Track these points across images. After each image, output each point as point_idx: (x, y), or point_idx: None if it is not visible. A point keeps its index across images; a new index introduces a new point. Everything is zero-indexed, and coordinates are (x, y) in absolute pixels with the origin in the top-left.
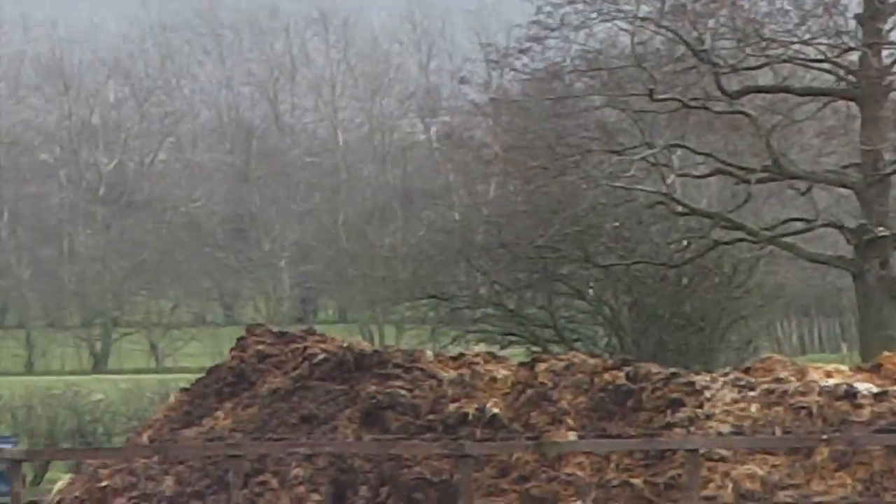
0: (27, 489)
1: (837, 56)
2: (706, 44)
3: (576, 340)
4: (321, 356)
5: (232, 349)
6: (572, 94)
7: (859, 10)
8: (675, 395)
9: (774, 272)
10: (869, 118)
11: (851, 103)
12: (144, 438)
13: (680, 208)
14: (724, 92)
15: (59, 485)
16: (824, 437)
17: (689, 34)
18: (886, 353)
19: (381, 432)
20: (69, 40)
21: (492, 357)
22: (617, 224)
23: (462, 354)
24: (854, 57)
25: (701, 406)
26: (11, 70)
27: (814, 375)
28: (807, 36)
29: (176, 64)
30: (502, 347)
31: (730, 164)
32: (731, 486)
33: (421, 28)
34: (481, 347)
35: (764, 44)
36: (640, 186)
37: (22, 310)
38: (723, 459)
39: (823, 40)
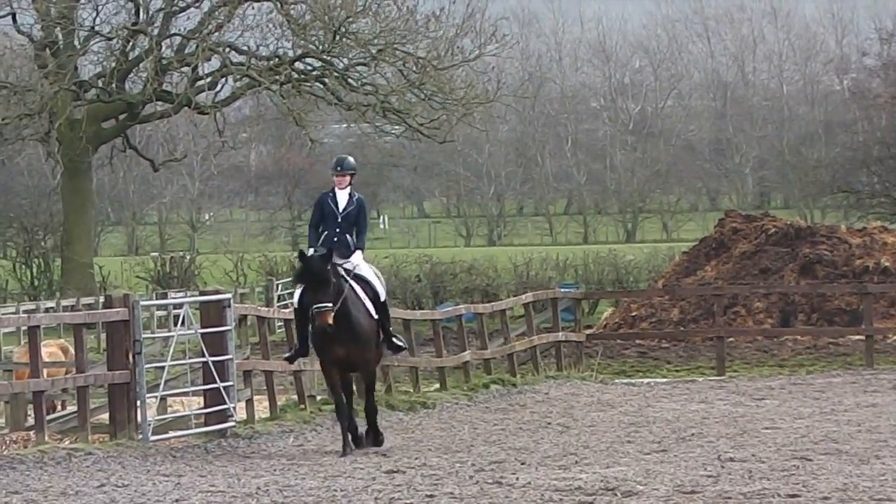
0: (584, 317)
1: None
2: None
3: None
4: (773, 230)
5: (715, 226)
6: None
7: None
8: None
9: None
10: None
11: None
12: (659, 284)
13: None
14: None
15: (605, 314)
16: None
17: None
18: None
19: (812, 279)
20: (609, 28)
21: (884, 229)
22: None
23: (864, 227)
24: None
25: None
26: (571, 51)
27: None
28: None
29: (677, 42)
30: (891, 223)
31: None
32: None
33: (837, 16)
34: (877, 223)
35: None
36: None
37: (580, 202)
38: None
39: None
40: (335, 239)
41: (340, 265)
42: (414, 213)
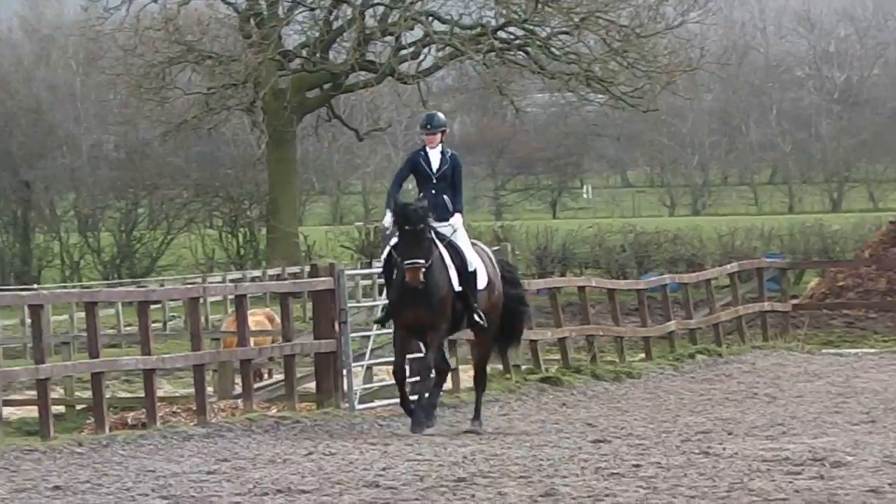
0: (790, 287)
1: None
2: None
3: None
4: None
5: None
6: None
7: None
8: None
9: None
10: None
11: None
12: (866, 254)
13: None
14: None
15: (811, 284)
16: None
17: None
18: None
19: None
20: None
21: None
22: None
23: None
24: None
25: None
26: (774, 19)
27: None
28: None
29: (883, 10)
30: None
31: None
32: None
33: None
34: None
35: None
36: None
37: (784, 171)
38: None
39: None
40: (432, 200)
41: (436, 228)
42: (617, 183)
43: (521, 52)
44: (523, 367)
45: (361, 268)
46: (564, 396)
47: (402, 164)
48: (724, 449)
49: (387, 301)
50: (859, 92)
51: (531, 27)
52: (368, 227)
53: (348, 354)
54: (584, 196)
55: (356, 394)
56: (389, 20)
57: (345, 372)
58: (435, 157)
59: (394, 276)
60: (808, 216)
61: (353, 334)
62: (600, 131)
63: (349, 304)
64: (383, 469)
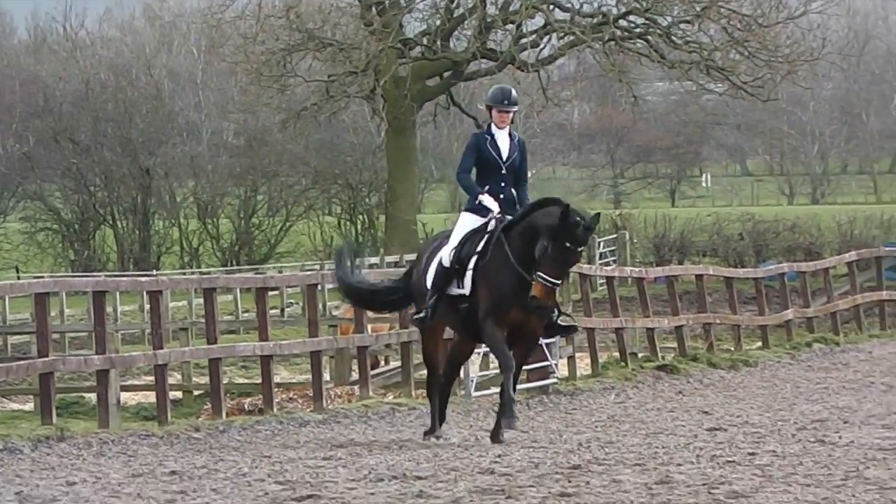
0: None
1: None
2: None
3: None
4: None
5: None
6: None
7: None
8: None
9: None
10: None
11: None
12: None
13: None
14: None
15: None
16: None
17: None
18: None
19: None
20: None
21: None
22: None
23: None
24: None
25: None
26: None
27: None
28: None
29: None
30: None
31: None
32: None
33: None
34: None
35: None
36: None
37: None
38: None
39: None
40: (501, 195)
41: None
42: (737, 172)
43: (641, 41)
44: (640, 355)
45: None
46: (680, 384)
47: (465, 151)
48: (839, 438)
49: (431, 303)
50: None
51: (652, 16)
52: None
53: None
54: (703, 184)
55: (472, 381)
56: (511, 8)
57: None
58: (504, 141)
59: (493, 263)
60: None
61: None
62: (720, 120)
63: None
64: (498, 456)
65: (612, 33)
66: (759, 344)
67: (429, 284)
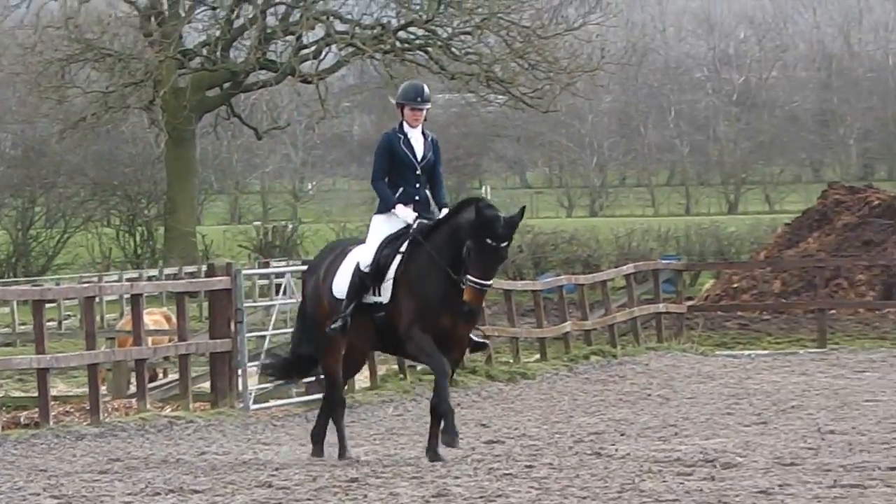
0: (685, 289)
1: None
2: None
3: None
4: (876, 202)
5: (818, 198)
6: None
7: None
8: None
9: None
10: None
11: None
12: (761, 256)
13: None
14: None
15: (706, 286)
16: None
17: None
18: None
19: None
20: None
21: None
22: None
23: None
24: None
25: None
26: (674, 21)
27: None
28: None
29: (782, 13)
30: None
31: None
32: None
33: None
34: None
35: None
36: None
37: (682, 174)
38: None
39: None
40: (416, 197)
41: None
42: (516, 184)
43: (421, 52)
44: (418, 368)
45: (259, 267)
46: (459, 397)
47: (377, 153)
48: (616, 450)
49: (347, 312)
50: (757, 94)
51: (432, 27)
52: (266, 226)
53: (244, 354)
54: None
55: (251, 394)
56: (291, 19)
57: (240, 372)
58: (418, 140)
59: (418, 268)
60: (704, 218)
61: (249, 334)
62: (500, 132)
63: (245, 304)
64: (276, 469)
65: (392, 45)
66: (538, 356)
67: (336, 292)
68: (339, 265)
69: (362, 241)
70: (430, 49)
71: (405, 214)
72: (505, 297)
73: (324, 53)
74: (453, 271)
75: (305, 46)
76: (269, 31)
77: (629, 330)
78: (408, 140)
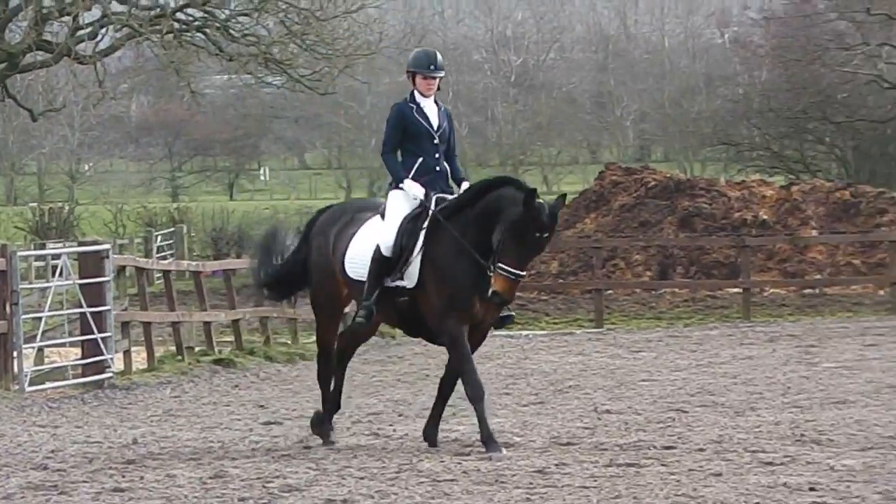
0: None
1: None
2: None
3: (817, 171)
4: (652, 183)
5: (595, 179)
6: (816, 11)
7: None
8: (882, 206)
9: None
10: None
11: None
12: None
13: (886, 84)
14: None
15: None
16: None
17: None
18: None
19: (691, 231)
20: None
21: (763, 182)
22: (845, 95)
23: (743, 181)
24: None
25: None
26: (453, 2)
27: None
28: None
29: None
30: (770, 176)
31: None
32: None
33: None
34: (756, 176)
35: None
36: (860, 71)
37: (461, 155)
38: None
39: None
40: (436, 168)
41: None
42: (295, 165)
43: (199, 34)
44: (196, 349)
45: (35, 249)
46: (237, 378)
47: (388, 125)
48: (394, 430)
49: (371, 301)
50: (535, 76)
51: (211, 9)
52: (43, 207)
53: (19, 336)
54: (262, 178)
55: (26, 376)
56: (67, 0)
57: (15, 354)
58: (432, 110)
59: (445, 251)
60: None
61: (25, 316)
62: (278, 113)
63: (21, 286)
64: (52, 451)
65: (171, 26)
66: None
67: (350, 271)
68: (352, 235)
69: (372, 207)
70: (208, 31)
71: (414, 190)
72: None
73: (100, 35)
74: (483, 257)
75: (82, 27)
76: (44, 11)
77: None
78: (421, 109)
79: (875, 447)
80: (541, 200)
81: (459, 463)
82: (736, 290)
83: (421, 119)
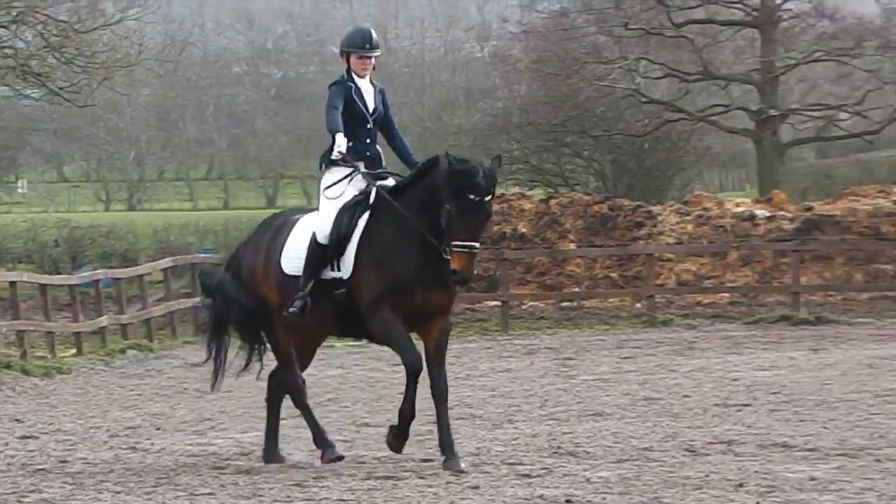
0: None
1: None
2: None
3: (575, 185)
4: None
5: None
6: (575, 26)
7: None
8: (639, 220)
9: (703, 139)
10: (766, 39)
11: (755, 30)
12: None
13: (644, 99)
14: (672, 23)
15: None
16: (734, 245)
17: None
18: (775, 191)
19: None
20: None
21: (522, 195)
22: (603, 109)
23: (503, 194)
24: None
25: (655, 226)
26: (213, 15)
27: (728, 205)
28: None
29: (320, 8)
30: (529, 189)
31: (676, 70)
32: (674, 277)
33: None
34: (515, 189)
35: None
36: (618, 85)
37: (221, 167)
38: (669, 260)
39: None
40: (367, 152)
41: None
42: (53, 178)
43: None
44: None
45: None
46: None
47: (332, 93)
48: (151, 444)
49: (306, 292)
50: (296, 89)
51: None
52: None
53: None
54: (19, 191)
55: None
56: None
57: None
58: (368, 91)
59: (387, 235)
60: (243, 212)
61: None
62: (37, 126)
63: None
64: None
65: None
66: (74, 351)
67: (287, 268)
68: (286, 238)
69: (308, 211)
70: None
71: (341, 143)
72: (41, 291)
73: None
74: (436, 238)
75: None
76: None
77: (167, 324)
78: (359, 90)
79: (630, 459)
80: (471, 164)
81: (217, 476)
82: (495, 302)
83: (357, 100)
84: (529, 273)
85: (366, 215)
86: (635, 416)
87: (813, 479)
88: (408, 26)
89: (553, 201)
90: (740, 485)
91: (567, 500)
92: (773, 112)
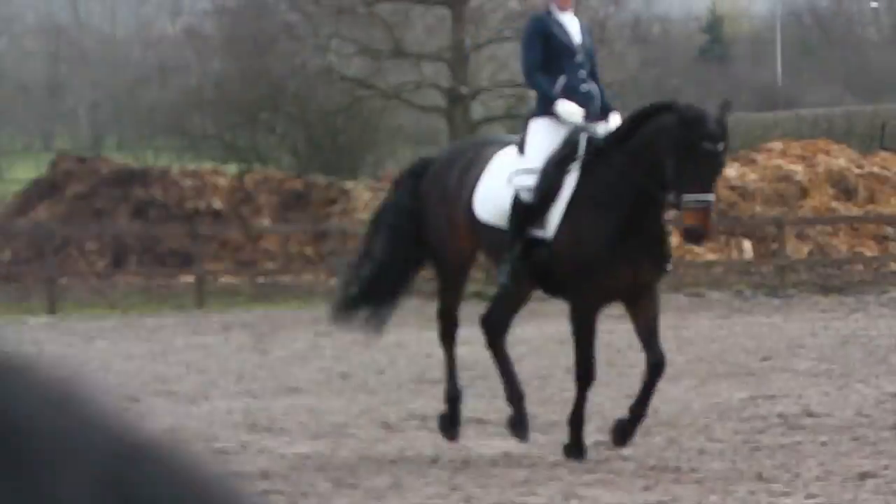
0: None
1: None
2: None
3: (270, 161)
4: (107, 172)
5: (47, 168)
6: (266, 2)
7: None
8: (332, 196)
9: (396, 117)
10: (456, 17)
11: (446, 8)
12: None
13: (336, 76)
14: (364, 1)
15: None
16: None
17: None
18: None
19: (145, 220)
20: None
21: (216, 171)
22: (296, 86)
23: (196, 169)
24: None
25: (349, 202)
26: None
27: None
28: None
29: None
30: (223, 164)
31: (369, 48)
32: None
33: None
34: (210, 165)
35: None
36: (310, 62)
37: None
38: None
39: None
40: (580, 89)
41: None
42: None
43: None
44: None
45: None
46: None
47: (526, 40)
48: None
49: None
50: None
51: None
52: None
53: None
54: None
55: None
56: None
57: None
58: (573, 24)
59: (595, 196)
60: None
61: None
62: None
63: None
64: None
65: None
66: None
67: (481, 211)
68: (480, 172)
69: (498, 143)
70: None
71: (570, 111)
72: None
73: None
74: (655, 188)
75: None
76: None
77: None
78: (560, 23)
79: (326, 435)
80: (703, 110)
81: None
82: (189, 278)
83: (561, 35)
84: (224, 249)
85: (574, 171)
86: (330, 392)
87: (507, 453)
88: (99, 3)
89: (247, 177)
90: (435, 460)
91: (263, 477)
92: (463, 90)
